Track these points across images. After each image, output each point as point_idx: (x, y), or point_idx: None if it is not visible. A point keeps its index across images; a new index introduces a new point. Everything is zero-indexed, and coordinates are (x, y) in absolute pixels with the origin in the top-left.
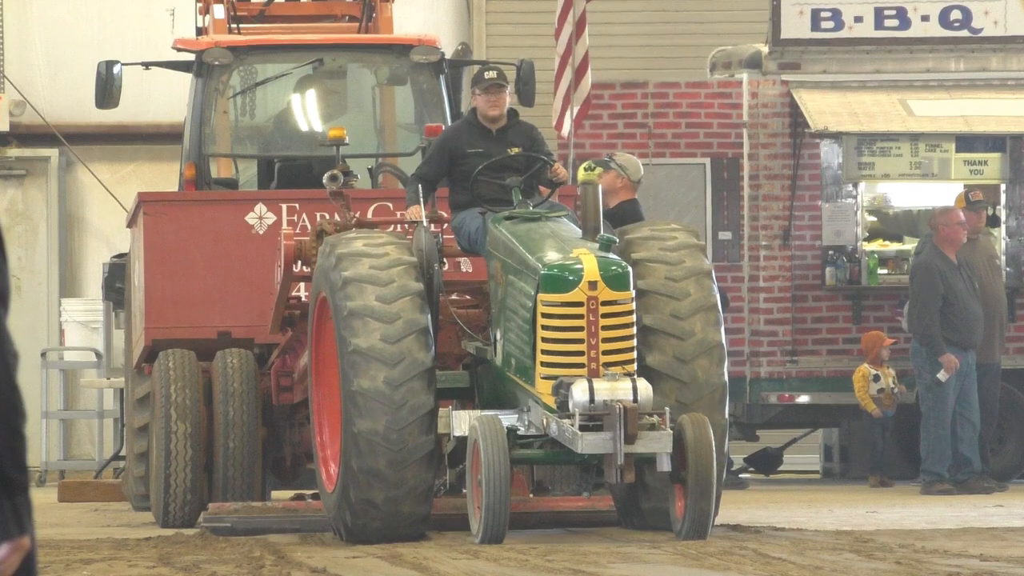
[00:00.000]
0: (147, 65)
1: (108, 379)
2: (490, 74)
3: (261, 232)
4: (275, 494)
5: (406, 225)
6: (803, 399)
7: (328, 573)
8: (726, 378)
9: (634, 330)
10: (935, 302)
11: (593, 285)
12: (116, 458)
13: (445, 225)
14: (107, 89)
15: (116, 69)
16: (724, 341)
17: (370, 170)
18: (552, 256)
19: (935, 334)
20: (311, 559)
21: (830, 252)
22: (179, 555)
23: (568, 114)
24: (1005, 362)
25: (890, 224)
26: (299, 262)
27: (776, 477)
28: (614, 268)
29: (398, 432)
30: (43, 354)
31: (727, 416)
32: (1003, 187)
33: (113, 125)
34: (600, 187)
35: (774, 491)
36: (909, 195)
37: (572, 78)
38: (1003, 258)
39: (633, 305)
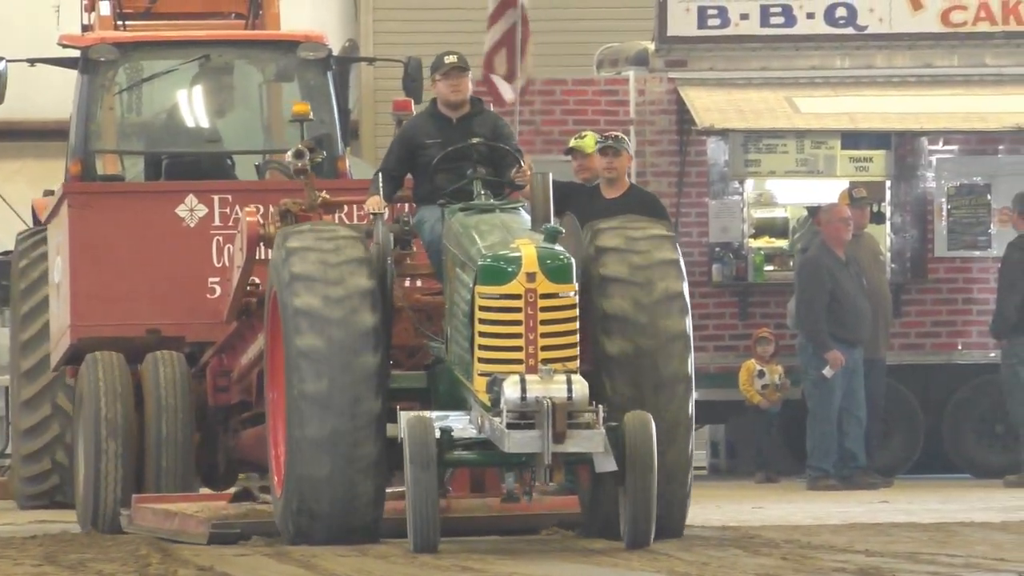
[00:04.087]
0: (32, 62)
1: None
2: (450, 58)
3: (192, 225)
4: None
5: (369, 216)
6: None
7: (215, 571)
8: (691, 371)
9: (576, 324)
10: (822, 299)
11: (531, 277)
12: (1, 456)
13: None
14: None
15: (1, 66)
16: (690, 330)
17: (257, 166)
18: (492, 247)
19: (821, 330)
20: (197, 557)
21: (717, 249)
22: (64, 553)
23: (516, 83)
24: (890, 358)
25: (776, 221)
26: (262, 245)
27: None
28: (555, 259)
29: (343, 437)
30: None
31: (692, 410)
32: (888, 184)
33: None
34: (552, 176)
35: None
36: (795, 192)
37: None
38: (888, 255)
39: (576, 299)
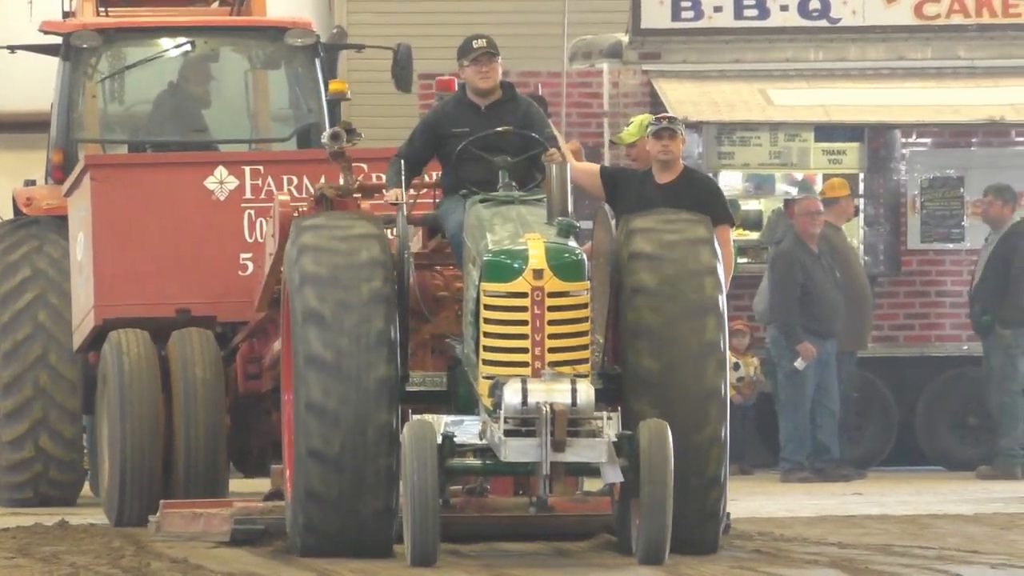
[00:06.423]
0: (13, 49)
1: None
2: (479, 42)
3: (222, 198)
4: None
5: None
6: None
7: (188, 563)
8: (724, 344)
9: (588, 325)
10: (794, 291)
11: (539, 274)
12: None
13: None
14: None
15: None
16: (724, 302)
17: None
18: (500, 241)
19: (793, 323)
20: (171, 550)
21: None
22: (38, 546)
23: None
24: (863, 350)
25: (750, 214)
26: None
27: None
28: (566, 256)
29: (351, 454)
30: None
31: (725, 388)
32: (861, 176)
33: None
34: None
35: None
36: (768, 184)
37: None
38: (861, 247)
39: (588, 297)
